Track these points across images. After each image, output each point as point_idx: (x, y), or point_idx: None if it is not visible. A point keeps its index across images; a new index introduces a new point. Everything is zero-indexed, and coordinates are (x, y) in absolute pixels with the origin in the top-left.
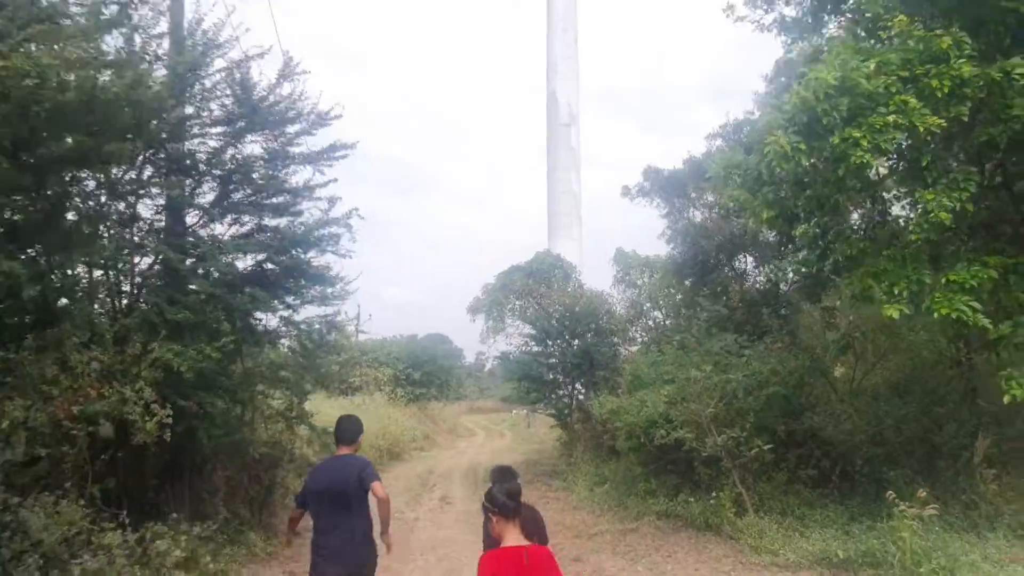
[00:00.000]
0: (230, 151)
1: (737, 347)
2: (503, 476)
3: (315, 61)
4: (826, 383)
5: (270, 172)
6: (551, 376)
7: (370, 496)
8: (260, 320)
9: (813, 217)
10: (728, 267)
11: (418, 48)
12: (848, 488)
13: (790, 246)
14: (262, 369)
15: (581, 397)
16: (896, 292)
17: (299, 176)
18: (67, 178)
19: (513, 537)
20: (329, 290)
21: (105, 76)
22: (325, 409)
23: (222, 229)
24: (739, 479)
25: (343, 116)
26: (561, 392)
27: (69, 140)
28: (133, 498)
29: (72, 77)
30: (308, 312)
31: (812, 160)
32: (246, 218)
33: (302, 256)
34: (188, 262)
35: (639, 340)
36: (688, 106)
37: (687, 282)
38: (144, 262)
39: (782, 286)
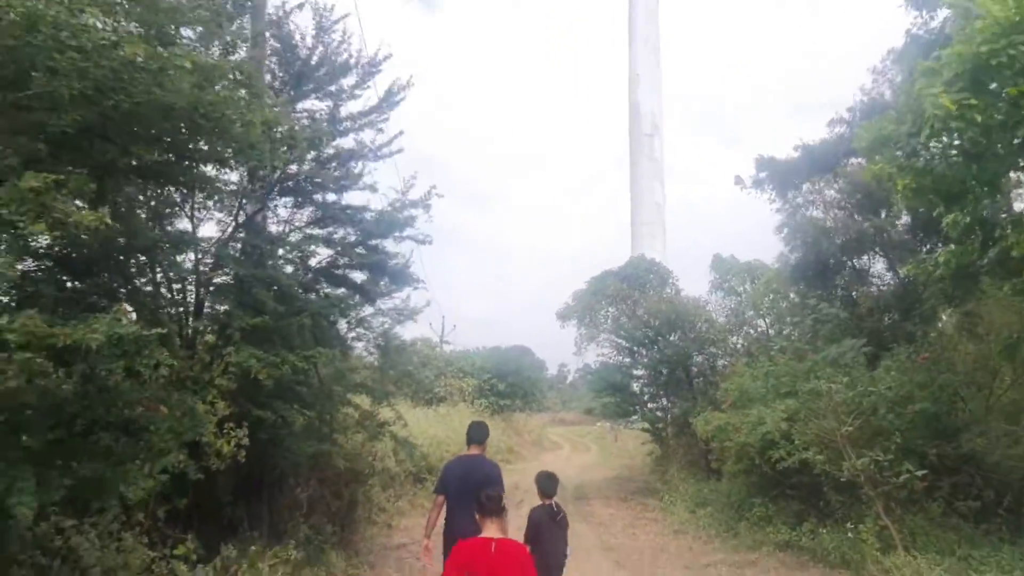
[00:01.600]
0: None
1: (863, 357)
2: (549, 480)
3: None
4: (983, 401)
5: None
6: (640, 388)
7: None
8: (335, 321)
9: (967, 201)
10: (851, 268)
11: (495, 61)
12: (1019, 524)
13: (928, 244)
14: (341, 375)
15: (677, 411)
16: None
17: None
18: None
19: (489, 531)
20: (411, 290)
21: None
22: (408, 419)
23: (284, 213)
24: (883, 509)
25: (393, 55)
26: (653, 405)
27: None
28: (204, 518)
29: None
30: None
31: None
32: (308, 202)
33: (378, 244)
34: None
35: (740, 351)
36: (769, 119)
37: (801, 286)
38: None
39: (921, 288)
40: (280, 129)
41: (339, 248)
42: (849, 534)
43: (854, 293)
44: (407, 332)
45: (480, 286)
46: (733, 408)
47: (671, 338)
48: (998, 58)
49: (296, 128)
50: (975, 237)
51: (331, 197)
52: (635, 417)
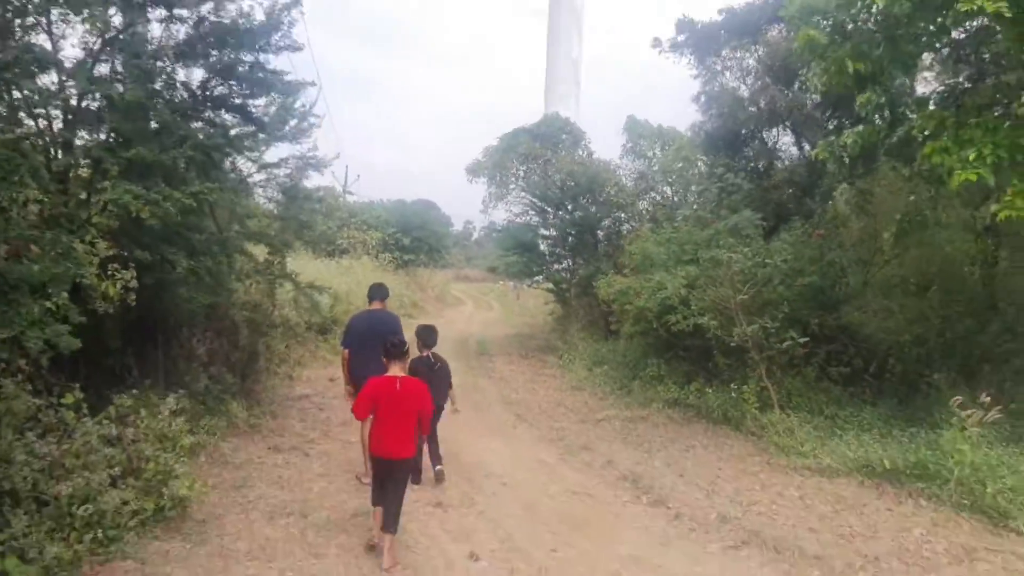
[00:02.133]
0: None
1: (762, 229)
2: (428, 332)
3: None
4: (862, 275)
5: None
6: (549, 248)
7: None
8: (228, 155)
9: (881, 79)
10: (761, 141)
11: None
12: (880, 389)
13: (835, 121)
14: (238, 220)
15: (582, 273)
16: (980, 156)
17: None
18: None
19: (394, 371)
20: (293, 122)
21: None
22: (310, 270)
23: (156, 29)
24: (765, 372)
25: None
26: (559, 266)
27: None
28: (91, 365)
29: None
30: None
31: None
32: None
33: (257, 60)
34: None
35: (646, 216)
36: None
37: (712, 155)
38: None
39: (829, 165)
40: None
41: (218, 67)
42: (732, 394)
43: (761, 165)
44: (310, 182)
45: (386, 134)
46: (635, 272)
47: (581, 201)
48: None
49: None
50: (884, 118)
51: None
52: (539, 277)
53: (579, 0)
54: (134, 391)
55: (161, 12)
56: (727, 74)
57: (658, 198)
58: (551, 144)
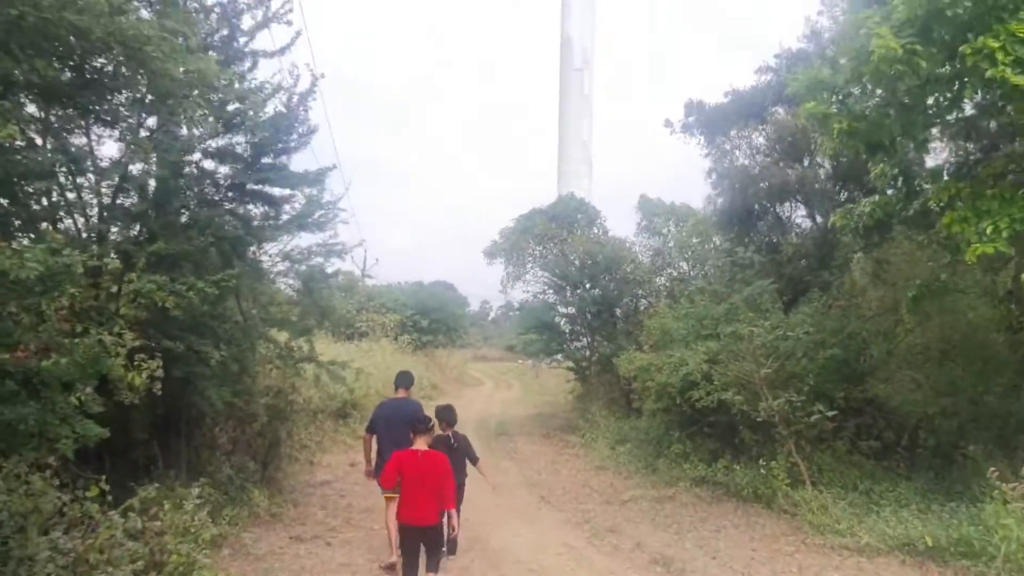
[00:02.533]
0: None
1: (781, 303)
2: (447, 411)
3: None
4: (886, 346)
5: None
6: (568, 326)
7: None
8: (251, 244)
9: (893, 151)
10: (774, 215)
11: None
12: (914, 462)
13: (846, 193)
14: (262, 309)
15: (601, 351)
16: (997, 230)
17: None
18: None
19: (418, 445)
20: (319, 213)
21: None
22: (329, 354)
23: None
24: (794, 447)
25: None
26: (579, 344)
27: None
28: (117, 457)
29: None
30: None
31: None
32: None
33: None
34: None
35: (663, 291)
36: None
37: (725, 230)
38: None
39: (844, 235)
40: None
41: (243, 162)
42: (762, 470)
43: (775, 239)
44: (329, 267)
45: (401, 217)
46: (655, 348)
47: (600, 280)
48: (954, 9)
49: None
50: (899, 188)
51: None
52: (558, 355)
53: (587, 85)
54: (156, 483)
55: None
56: (737, 152)
57: (674, 273)
58: (566, 224)
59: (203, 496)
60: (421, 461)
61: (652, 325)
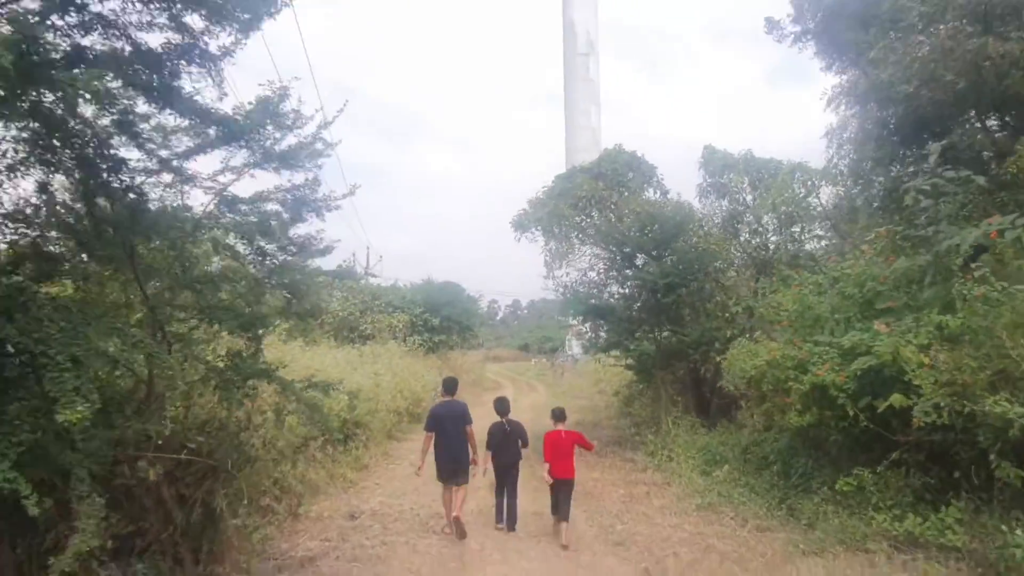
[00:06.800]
0: None
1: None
2: (501, 403)
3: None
4: None
5: None
6: (634, 312)
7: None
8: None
9: None
10: (973, 124)
11: None
12: None
13: None
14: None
15: (677, 340)
16: None
17: None
18: None
19: (558, 427)
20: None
21: None
22: (328, 360)
23: None
24: None
25: None
26: (640, 333)
27: None
28: None
29: None
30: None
31: None
32: None
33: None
34: None
35: (741, 263)
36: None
37: (891, 163)
38: None
39: None
40: None
41: None
42: None
43: (985, 154)
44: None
45: (406, 220)
46: (769, 339)
47: (666, 252)
48: None
49: None
50: None
51: None
52: (615, 349)
53: (593, 70)
54: None
55: None
56: (890, 55)
57: (753, 241)
58: (615, 184)
59: None
60: (563, 438)
61: (780, 301)
